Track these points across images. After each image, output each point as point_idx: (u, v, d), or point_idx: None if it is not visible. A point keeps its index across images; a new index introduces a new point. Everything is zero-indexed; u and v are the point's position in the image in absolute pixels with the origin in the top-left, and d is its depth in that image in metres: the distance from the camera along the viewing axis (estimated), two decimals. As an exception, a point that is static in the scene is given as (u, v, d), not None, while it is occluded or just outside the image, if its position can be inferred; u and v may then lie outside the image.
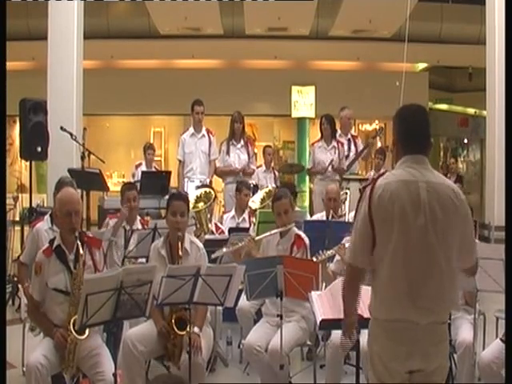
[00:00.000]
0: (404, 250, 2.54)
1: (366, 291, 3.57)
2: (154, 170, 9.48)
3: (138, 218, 5.69)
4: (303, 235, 4.63)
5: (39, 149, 7.01)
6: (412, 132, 2.66)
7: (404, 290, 2.54)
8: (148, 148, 9.49)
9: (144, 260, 4.98)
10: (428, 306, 2.55)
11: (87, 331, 3.57)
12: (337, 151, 7.93)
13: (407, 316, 2.54)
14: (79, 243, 3.70)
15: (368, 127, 15.85)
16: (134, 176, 9.18)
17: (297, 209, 6.12)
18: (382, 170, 8.22)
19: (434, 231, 2.54)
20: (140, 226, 5.52)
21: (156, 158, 10.64)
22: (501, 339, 3.89)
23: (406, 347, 2.55)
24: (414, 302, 2.54)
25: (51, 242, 3.86)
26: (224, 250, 4.84)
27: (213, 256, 4.75)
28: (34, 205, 7.23)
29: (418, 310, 2.54)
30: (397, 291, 2.55)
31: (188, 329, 3.80)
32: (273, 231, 4.68)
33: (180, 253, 4.10)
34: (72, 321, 3.56)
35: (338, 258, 4.59)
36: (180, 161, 7.90)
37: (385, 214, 2.55)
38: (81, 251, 3.69)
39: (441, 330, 2.61)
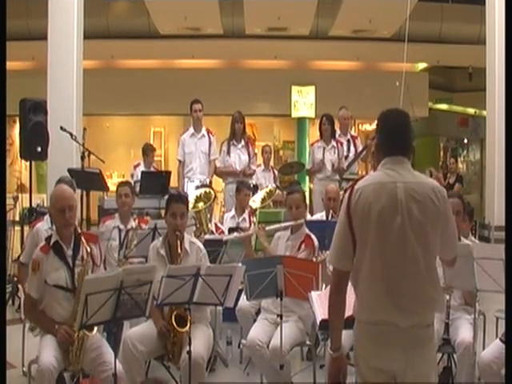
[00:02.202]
0: (382, 250, 2.56)
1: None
2: (153, 169, 9.48)
3: (134, 216, 5.66)
4: (313, 236, 4.67)
5: (39, 149, 7.01)
6: (391, 134, 2.71)
7: (383, 290, 2.55)
8: (147, 150, 9.50)
9: (137, 260, 4.98)
10: (408, 307, 2.54)
11: (96, 327, 3.58)
12: (336, 151, 7.94)
13: (388, 318, 2.54)
14: (84, 240, 3.72)
15: (368, 127, 15.86)
16: (132, 176, 9.17)
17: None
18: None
19: (411, 231, 2.55)
20: (134, 225, 5.48)
21: (156, 158, 10.65)
22: (500, 339, 3.89)
23: (387, 349, 2.54)
24: (393, 302, 2.54)
25: (48, 239, 3.86)
26: (235, 234, 4.90)
27: (224, 238, 4.83)
28: (33, 205, 7.23)
29: (398, 310, 2.54)
30: (376, 292, 2.56)
31: (188, 326, 3.81)
32: (283, 224, 4.78)
33: (179, 251, 4.10)
34: None
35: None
36: (180, 161, 7.90)
37: (362, 216, 2.58)
38: (87, 249, 3.70)
39: (423, 334, 2.58)
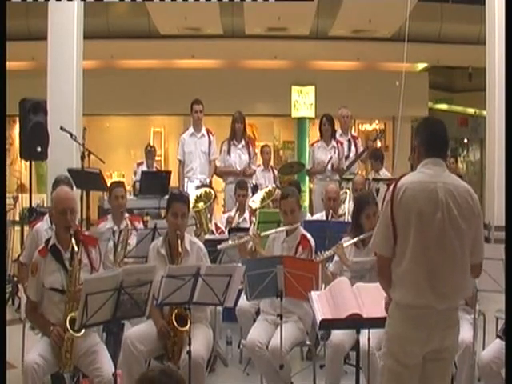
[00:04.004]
0: (424, 243, 2.82)
1: (364, 289, 3.59)
2: (154, 170, 9.51)
3: (126, 214, 5.65)
4: (309, 236, 4.64)
5: (39, 149, 6.99)
6: (433, 138, 2.99)
7: (423, 277, 2.81)
8: (149, 152, 9.53)
9: (132, 260, 4.97)
10: (445, 292, 2.83)
11: (83, 329, 3.57)
12: (336, 151, 7.94)
13: (427, 302, 2.81)
14: (73, 241, 3.70)
15: (368, 127, 15.84)
16: (135, 174, 9.19)
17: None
18: (382, 171, 8.23)
19: (450, 226, 2.82)
20: (128, 224, 5.46)
21: (156, 158, 10.67)
22: (497, 335, 3.90)
23: (425, 331, 2.81)
24: (432, 288, 2.81)
25: (47, 241, 3.86)
26: (230, 242, 4.87)
27: (218, 247, 4.85)
28: (33, 205, 7.22)
29: (436, 295, 2.81)
30: (417, 279, 2.82)
31: (188, 325, 3.81)
32: (279, 229, 4.72)
33: (180, 250, 4.10)
34: (68, 318, 3.56)
35: (336, 258, 4.59)
36: (180, 161, 7.90)
37: (405, 211, 2.85)
38: (75, 248, 3.69)
39: (454, 315, 2.91)
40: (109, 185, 5.91)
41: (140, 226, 5.48)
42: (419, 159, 2.99)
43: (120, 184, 5.80)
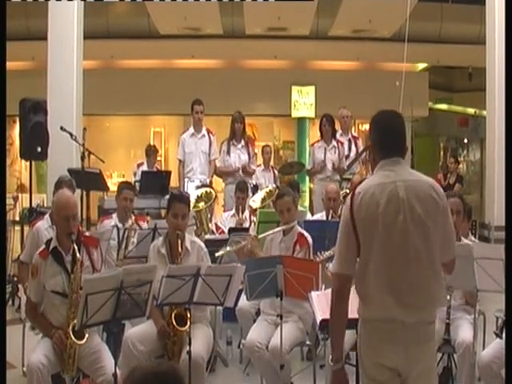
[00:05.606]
0: (387, 250, 2.59)
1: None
2: (154, 170, 9.51)
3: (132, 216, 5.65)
4: (306, 234, 4.65)
5: (39, 149, 7.00)
6: (386, 136, 2.73)
7: (387, 287, 2.59)
8: (150, 151, 9.53)
9: (135, 260, 4.97)
10: (412, 303, 2.59)
11: (86, 335, 3.57)
12: (337, 151, 7.94)
13: (392, 314, 2.58)
14: (75, 247, 3.68)
15: (368, 127, 15.82)
16: (135, 175, 9.20)
17: (299, 208, 6.16)
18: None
19: (414, 227, 2.59)
20: (132, 222, 5.47)
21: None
22: (494, 332, 3.90)
23: (392, 346, 2.58)
24: (397, 299, 2.58)
25: (47, 243, 3.84)
26: (228, 248, 4.86)
27: (216, 255, 4.80)
28: (33, 205, 7.22)
29: (402, 307, 2.58)
30: (380, 290, 2.59)
31: (188, 325, 3.81)
32: (275, 229, 4.72)
33: (180, 250, 4.10)
34: (71, 325, 3.56)
35: (337, 258, 4.58)
36: (180, 161, 7.90)
37: (366, 218, 2.61)
38: (78, 255, 3.67)
39: (427, 330, 2.65)
40: (119, 183, 5.91)
41: (145, 225, 5.49)
42: (375, 161, 2.75)
43: (131, 187, 5.78)
